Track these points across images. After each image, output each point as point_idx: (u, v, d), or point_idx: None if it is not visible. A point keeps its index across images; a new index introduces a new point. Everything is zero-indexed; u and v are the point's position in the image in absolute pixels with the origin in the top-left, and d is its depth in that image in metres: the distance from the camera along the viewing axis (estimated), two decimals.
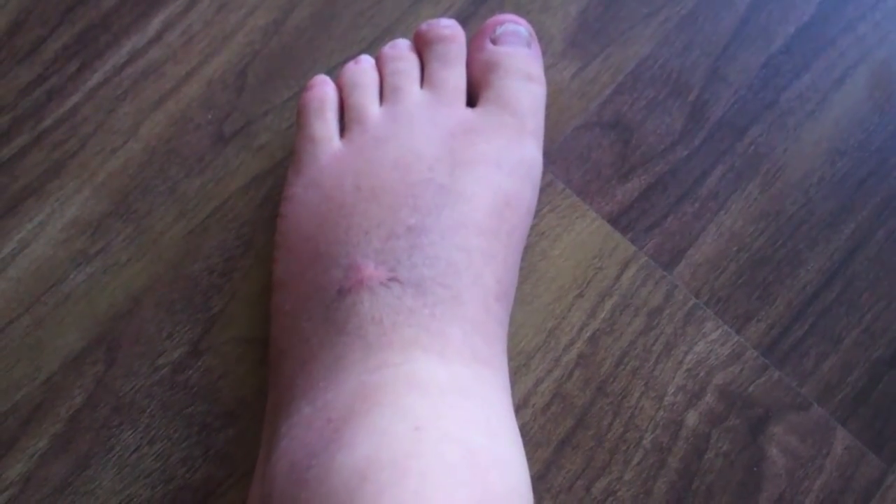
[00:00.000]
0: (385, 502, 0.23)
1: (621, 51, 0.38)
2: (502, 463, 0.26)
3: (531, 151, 0.33)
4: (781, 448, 0.34)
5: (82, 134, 0.36)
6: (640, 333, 0.35)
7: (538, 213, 0.36)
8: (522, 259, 0.34)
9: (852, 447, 0.34)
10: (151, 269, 0.35)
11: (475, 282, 0.30)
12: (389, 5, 0.38)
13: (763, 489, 0.34)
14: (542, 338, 0.35)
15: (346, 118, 0.33)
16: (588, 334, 0.35)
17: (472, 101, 0.34)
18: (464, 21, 0.37)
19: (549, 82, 0.36)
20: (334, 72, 0.37)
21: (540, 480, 0.33)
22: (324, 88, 0.34)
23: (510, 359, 0.34)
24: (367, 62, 0.34)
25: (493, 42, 0.34)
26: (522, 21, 0.35)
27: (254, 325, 0.34)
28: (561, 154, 0.37)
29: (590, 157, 0.37)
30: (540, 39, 0.37)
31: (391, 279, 0.29)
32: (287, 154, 0.36)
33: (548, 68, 0.37)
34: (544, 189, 0.36)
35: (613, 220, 0.36)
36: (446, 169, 0.31)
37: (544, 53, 0.37)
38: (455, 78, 0.34)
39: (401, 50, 0.34)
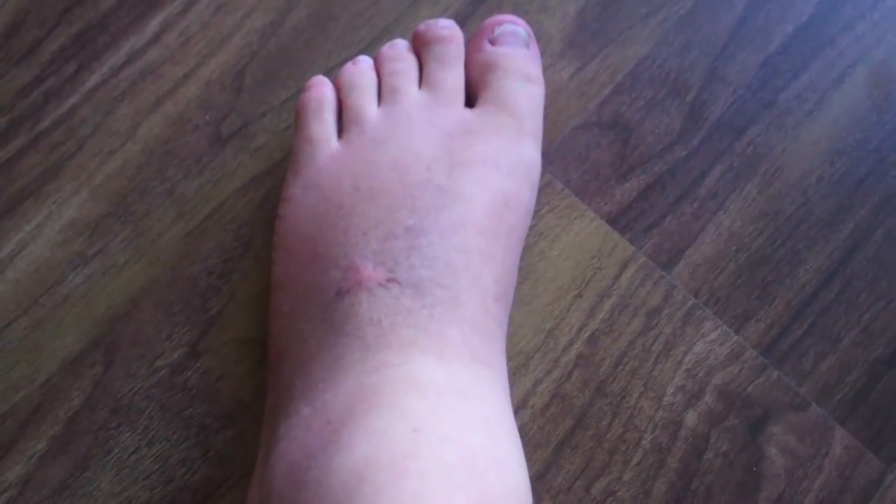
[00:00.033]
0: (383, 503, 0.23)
1: (620, 51, 0.38)
2: (501, 464, 0.26)
3: (530, 152, 0.33)
4: (780, 448, 0.34)
5: (80, 135, 0.36)
6: (639, 334, 0.35)
7: (537, 214, 0.36)
8: (521, 259, 0.34)
9: (851, 447, 0.34)
10: (150, 270, 0.35)
11: (474, 282, 0.30)
12: (387, 6, 0.38)
13: (762, 489, 0.34)
14: (541, 338, 0.35)
15: (344, 119, 0.33)
16: (587, 335, 0.35)
17: (470, 101, 0.34)
18: (462, 21, 0.37)
19: (548, 82, 0.36)
20: (332, 72, 0.37)
21: (539, 481, 0.33)
22: (322, 89, 0.34)
23: (509, 359, 0.34)
24: (365, 63, 0.34)
25: (492, 42, 0.34)
26: (521, 21, 0.35)
27: (252, 327, 0.34)
28: (559, 154, 0.37)
29: (588, 157, 0.37)
30: (538, 40, 0.37)
31: (389, 280, 0.29)
32: (285, 155, 0.36)
33: (546, 68, 0.37)
34: (543, 189, 0.36)
35: (612, 221, 0.36)
36: (444, 169, 0.31)
37: (543, 54, 0.37)
38: (453, 78, 0.33)
39: (399, 50, 0.34)
